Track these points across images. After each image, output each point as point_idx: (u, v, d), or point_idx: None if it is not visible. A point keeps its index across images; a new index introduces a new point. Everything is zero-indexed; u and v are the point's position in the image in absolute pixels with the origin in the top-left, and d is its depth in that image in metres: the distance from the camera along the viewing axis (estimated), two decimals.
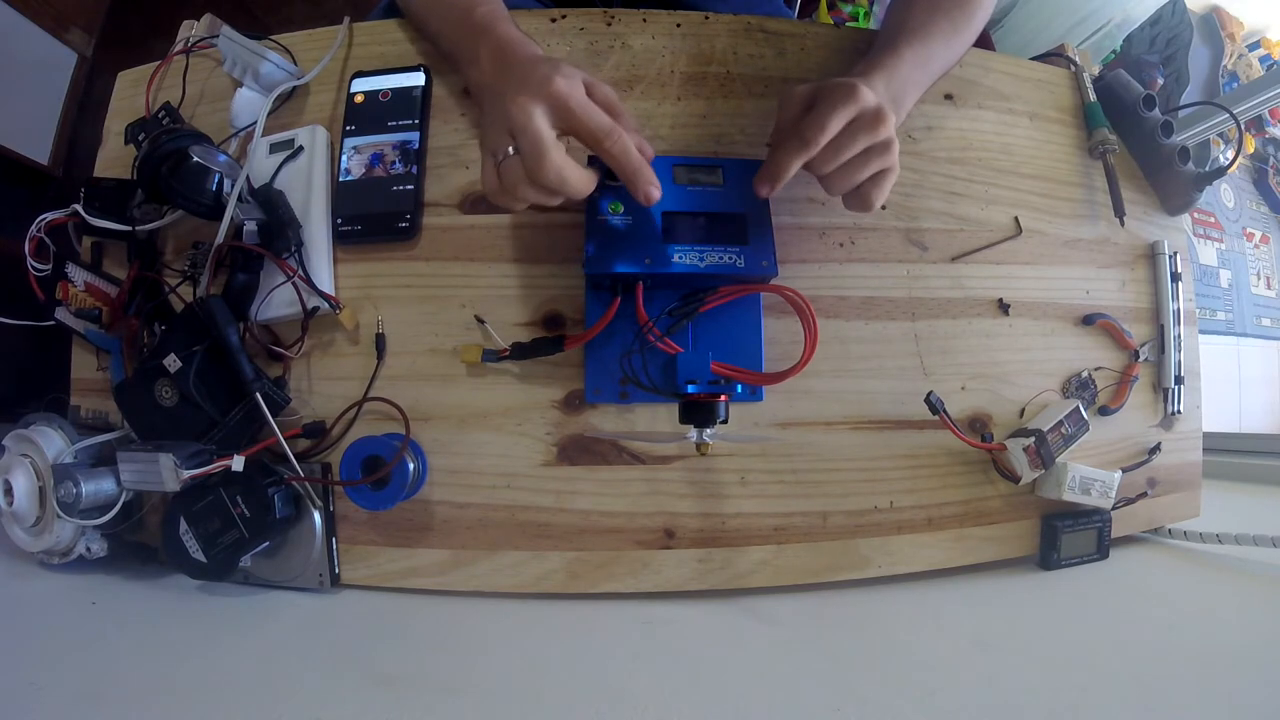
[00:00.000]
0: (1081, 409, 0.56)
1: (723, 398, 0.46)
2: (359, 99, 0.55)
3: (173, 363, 0.48)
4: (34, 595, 0.50)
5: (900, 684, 0.40)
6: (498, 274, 0.53)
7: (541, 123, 0.39)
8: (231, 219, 0.50)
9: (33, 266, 0.56)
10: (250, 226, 0.50)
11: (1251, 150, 2.27)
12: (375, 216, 0.53)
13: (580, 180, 0.41)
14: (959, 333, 0.57)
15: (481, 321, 0.52)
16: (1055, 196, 0.61)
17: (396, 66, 0.56)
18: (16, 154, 1.14)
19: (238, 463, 0.46)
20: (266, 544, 0.48)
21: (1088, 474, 0.55)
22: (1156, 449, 0.61)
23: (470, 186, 0.54)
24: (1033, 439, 0.53)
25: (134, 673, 0.39)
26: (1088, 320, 0.60)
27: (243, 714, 0.35)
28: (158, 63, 0.59)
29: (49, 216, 0.55)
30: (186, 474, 0.44)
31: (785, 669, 0.42)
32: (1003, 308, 0.58)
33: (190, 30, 0.62)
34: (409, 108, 0.54)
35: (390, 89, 0.55)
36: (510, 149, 0.40)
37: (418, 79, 0.55)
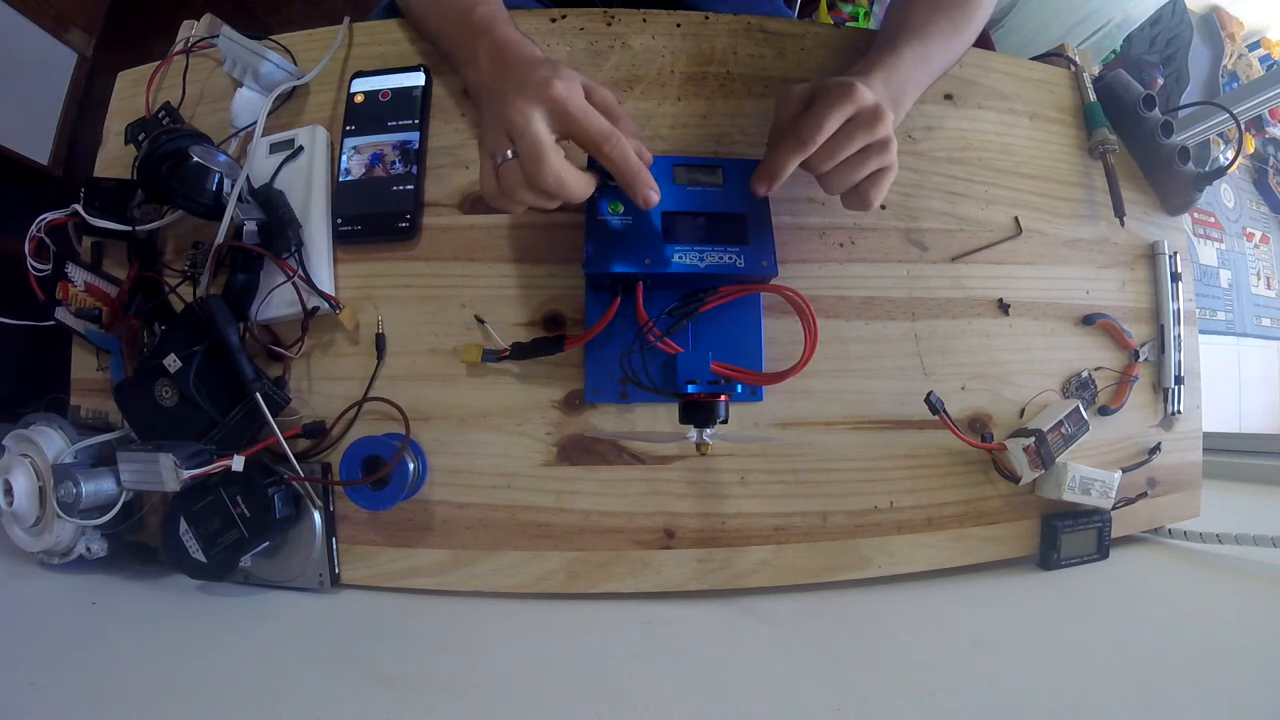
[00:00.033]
0: (1081, 409, 0.56)
1: (723, 398, 0.46)
2: (359, 99, 0.55)
3: (173, 363, 0.48)
4: (34, 595, 0.50)
5: (900, 684, 0.40)
6: (498, 274, 0.53)
7: (540, 127, 0.39)
8: (231, 219, 0.50)
9: (33, 266, 0.56)
10: (250, 226, 0.50)
11: (1251, 150, 2.27)
12: (375, 216, 0.53)
13: (579, 184, 0.41)
14: (959, 333, 0.57)
15: (481, 321, 0.52)
16: (1055, 196, 0.61)
17: (396, 66, 0.56)
18: (16, 154, 1.14)
19: (238, 463, 0.46)
20: (266, 544, 0.48)
21: (1088, 474, 0.55)
22: (1156, 449, 0.61)
23: (470, 186, 0.54)
24: (1033, 439, 0.53)
25: (134, 673, 0.39)
26: (1088, 320, 0.60)
27: (243, 714, 0.35)
28: (158, 63, 0.59)
29: (49, 216, 0.55)
30: (186, 474, 0.44)
31: (785, 669, 0.42)
32: (1003, 308, 0.58)
33: (190, 30, 0.62)
34: (409, 108, 0.54)
35: (390, 89, 0.55)
36: (509, 152, 0.40)
37: (418, 79, 0.55)
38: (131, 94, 0.60)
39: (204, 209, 0.49)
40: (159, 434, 0.49)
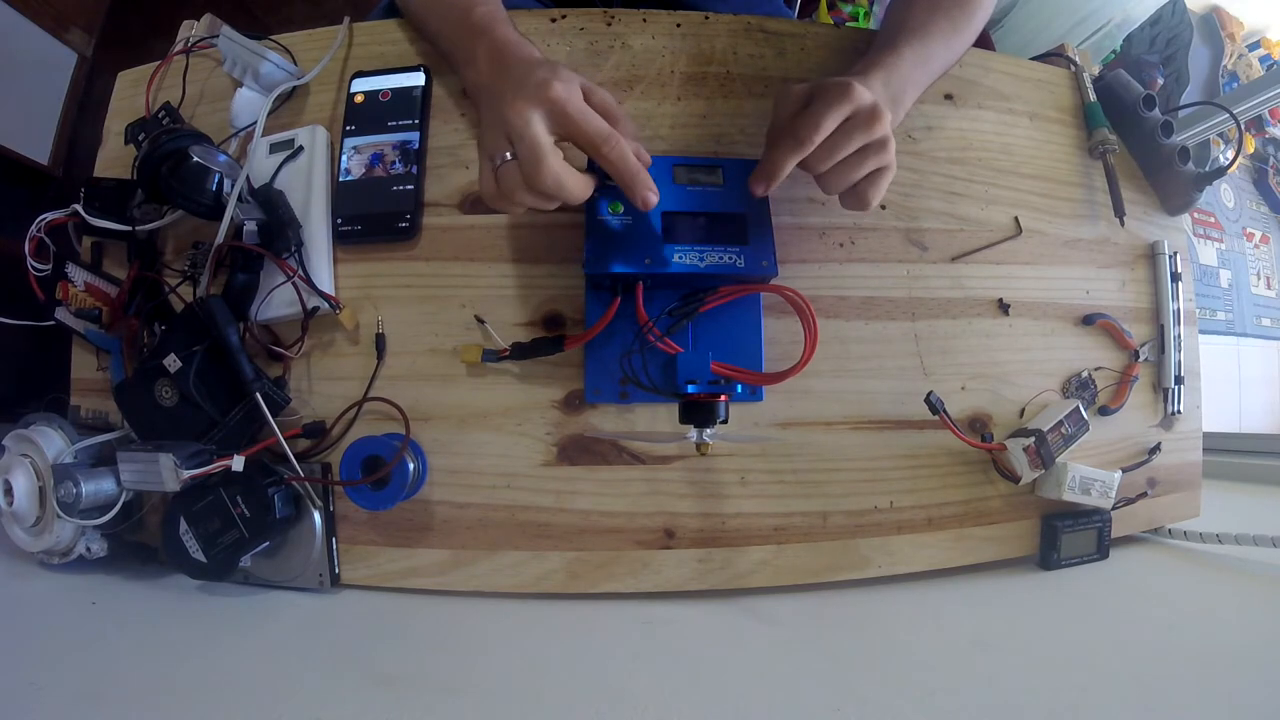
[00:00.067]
0: (1081, 409, 0.56)
1: (723, 398, 0.46)
2: (359, 99, 0.55)
3: (173, 363, 0.48)
4: (34, 595, 0.50)
5: (900, 684, 0.40)
6: (498, 274, 0.53)
7: (539, 128, 0.39)
8: (231, 219, 0.50)
9: (33, 266, 0.56)
10: (250, 226, 0.50)
11: (1251, 150, 2.27)
12: (375, 216, 0.53)
13: (578, 186, 0.41)
14: (959, 333, 0.57)
15: (481, 321, 0.52)
16: (1055, 196, 0.61)
17: (396, 66, 0.56)
18: (16, 154, 1.14)
19: (238, 463, 0.46)
20: (266, 544, 0.48)
21: (1088, 474, 0.55)
22: (1156, 449, 0.61)
23: (470, 186, 0.54)
24: (1033, 439, 0.53)
25: (134, 673, 0.39)
26: (1088, 320, 0.60)
27: (243, 714, 0.35)
28: (158, 63, 0.59)
29: (49, 216, 0.55)
30: (186, 474, 0.44)
31: (785, 669, 0.42)
32: (1003, 308, 0.58)
33: (190, 30, 0.62)
34: (409, 108, 0.54)
35: (390, 89, 0.55)
36: (508, 154, 0.40)
37: (418, 79, 0.55)
38: (131, 94, 0.60)
39: (204, 209, 0.49)
40: (159, 434, 0.49)
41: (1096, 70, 0.67)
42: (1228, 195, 2.22)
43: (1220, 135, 1.81)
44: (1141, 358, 0.61)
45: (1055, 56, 0.67)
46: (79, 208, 0.54)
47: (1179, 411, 0.62)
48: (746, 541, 0.52)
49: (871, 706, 0.36)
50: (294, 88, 0.56)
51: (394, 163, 0.53)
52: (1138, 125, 0.63)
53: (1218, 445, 0.98)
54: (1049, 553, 0.56)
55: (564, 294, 0.52)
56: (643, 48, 0.56)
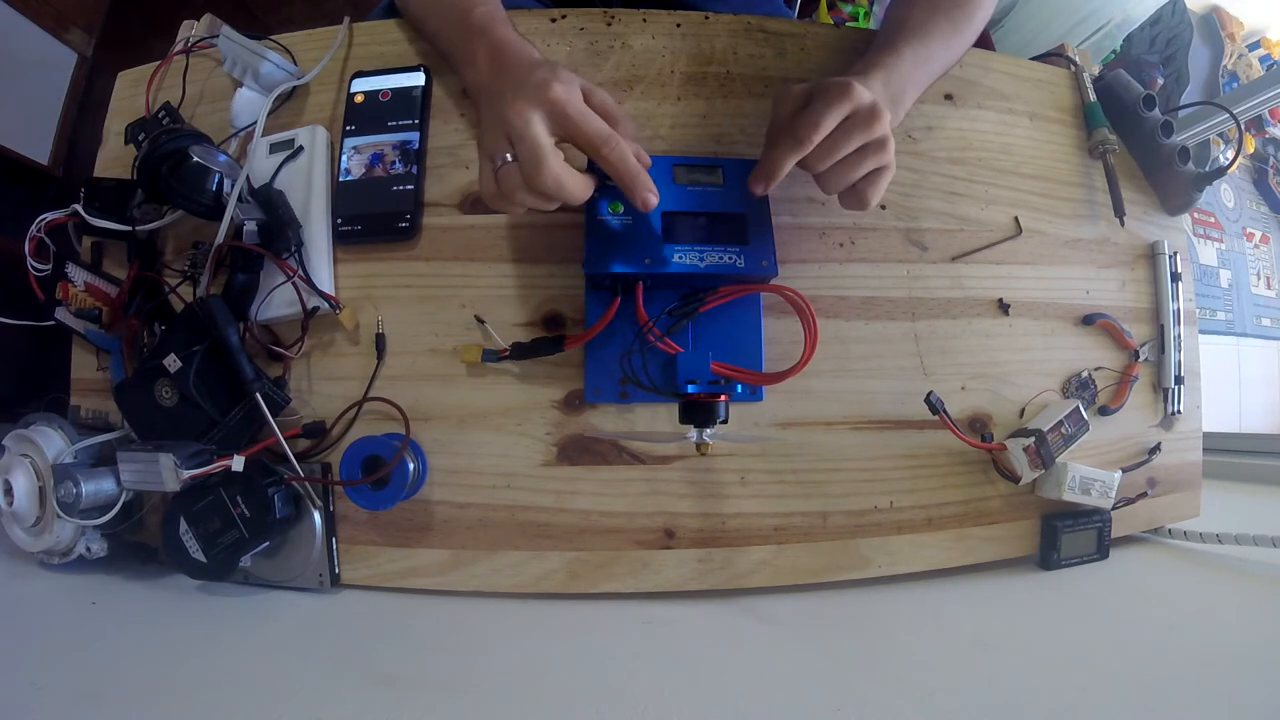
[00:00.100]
0: (1081, 409, 0.56)
1: (723, 398, 0.46)
2: (359, 99, 0.55)
3: (173, 363, 0.48)
4: (34, 595, 0.50)
5: (900, 684, 0.40)
6: (498, 274, 0.53)
7: (539, 129, 0.39)
8: (231, 219, 0.50)
9: (33, 266, 0.56)
10: (250, 226, 0.50)
11: (1251, 150, 2.27)
12: (375, 216, 0.53)
13: (578, 187, 0.41)
14: (959, 333, 0.57)
15: (481, 321, 0.52)
16: (1055, 196, 0.61)
17: (396, 66, 0.56)
18: (16, 154, 1.14)
19: (238, 463, 0.46)
20: (266, 544, 0.48)
21: (1088, 474, 0.55)
22: (1156, 449, 0.61)
23: (470, 186, 0.54)
24: (1033, 439, 0.53)
25: (134, 673, 0.39)
26: (1088, 320, 0.60)
27: (243, 714, 0.35)
28: (158, 63, 0.59)
29: (49, 216, 0.55)
30: (186, 474, 0.44)
31: (785, 669, 0.42)
32: (1003, 308, 0.58)
33: (190, 30, 0.62)
34: (409, 108, 0.54)
35: (390, 89, 0.55)
36: (508, 155, 0.40)
37: (418, 79, 0.55)
38: (131, 94, 0.60)
39: (204, 209, 0.49)
40: (159, 434, 0.49)
41: (1096, 70, 0.67)
42: (1228, 195, 2.22)
43: (1220, 135, 1.81)
44: (1141, 358, 0.61)
45: (1055, 56, 0.67)
46: (79, 208, 0.54)
47: (1179, 411, 0.62)
48: (746, 541, 0.52)
49: (871, 706, 0.36)
50: (294, 88, 0.56)
51: (394, 163, 0.53)
52: (1138, 125, 0.63)
53: (1218, 445, 0.98)
54: (1049, 553, 0.56)
55: (564, 294, 0.52)
56: (643, 48, 0.56)
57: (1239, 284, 2.15)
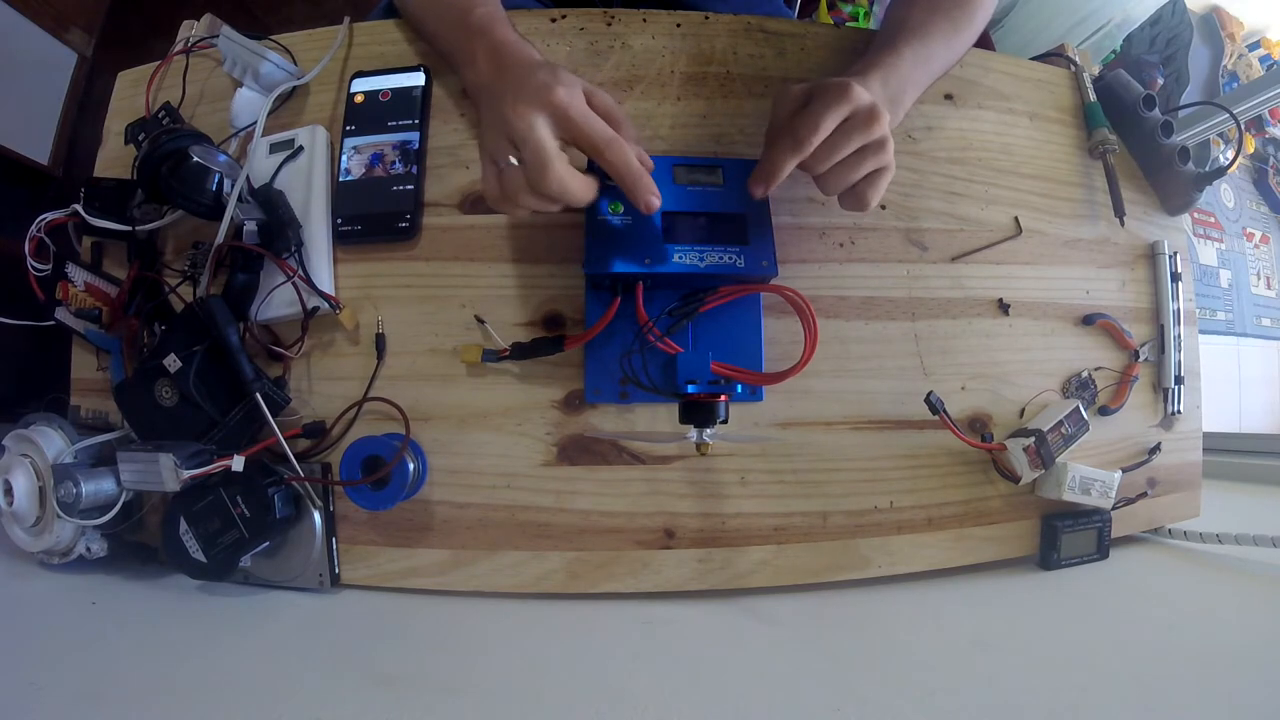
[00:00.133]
0: (1081, 409, 0.56)
1: (723, 398, 0.46)
2: (359, 99, 0.55)
3: (173, 363, 0.48)
4: (34, 595, 0.50)
5: (900, 684, 0.40)
6: (498, 274, 0.53)
7: (544, 133, 0.39)
8: (231, 219, 0.50)
9: (33, 266, 0.56)
10: (250, 226, 0.50)
11: (1251, 150, 2.27)
12: (375, 216, 0.53)
13: (583, 189, 0.41)
14: (959, 333, 0.57)
15: (481, 321, 0.52)
16: (1055, 196, 0.61)
17: (396, 66, 0.56)
18: (16, 154, 1.14)
19: (238, 463, 0.46)
20: (266, 544, 0.48)
21: (1088, 474, 0.55)
22: (1156, 449, 0.61)
23: (470, 186, 0.54)
24: (1033, 439, 0.53)
25: (134, 673, 0.39)
26: (1088, 320, 0.60)
27: (243, 714, 0.35)
28: (158, 63, 0.59)
29: (49, 216, 0.55)
30: (186, 474, 0.44)
31: (785, 669, 0.42)
32: (1003, 308, 0.58)
33: (190, 30, 0.62)
34: (409, 108, 0.54)
35: (390, 89, 0.55)
36: (512, 157, 0.40)
37: (418, 79, 0.55)
38: (131, 94, 0.60)
39: (204, 209, 0.49)
40: (159, 434, 0.49)
41: (1096, 70, 0.67)
42: (1228, 195, 2.22)
43: (1220, 135, 1.81)
44: (1141, 358, 0.61)
45: (1055, 56, 0.67)
46: (79, 208, 0.54)
47: (1179, 411, 0.62)
48: (746, 541, 0.52)
49: (871, 706, 0.36)
50: (294, 88, 0.56)
51: (394, 163, 0.53)
52: (1138, 125, 0.63)
53: (1218, 445, 0.98)
54: (1049, 553, 0.56)
55: (564, 294, 0.52)
56: (643, 48, 0.56)
57: (1239, 284, 2.15)
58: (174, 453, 0.44)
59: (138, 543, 0.53)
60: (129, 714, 0.36)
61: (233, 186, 0.49)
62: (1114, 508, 0.58)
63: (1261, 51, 2.22)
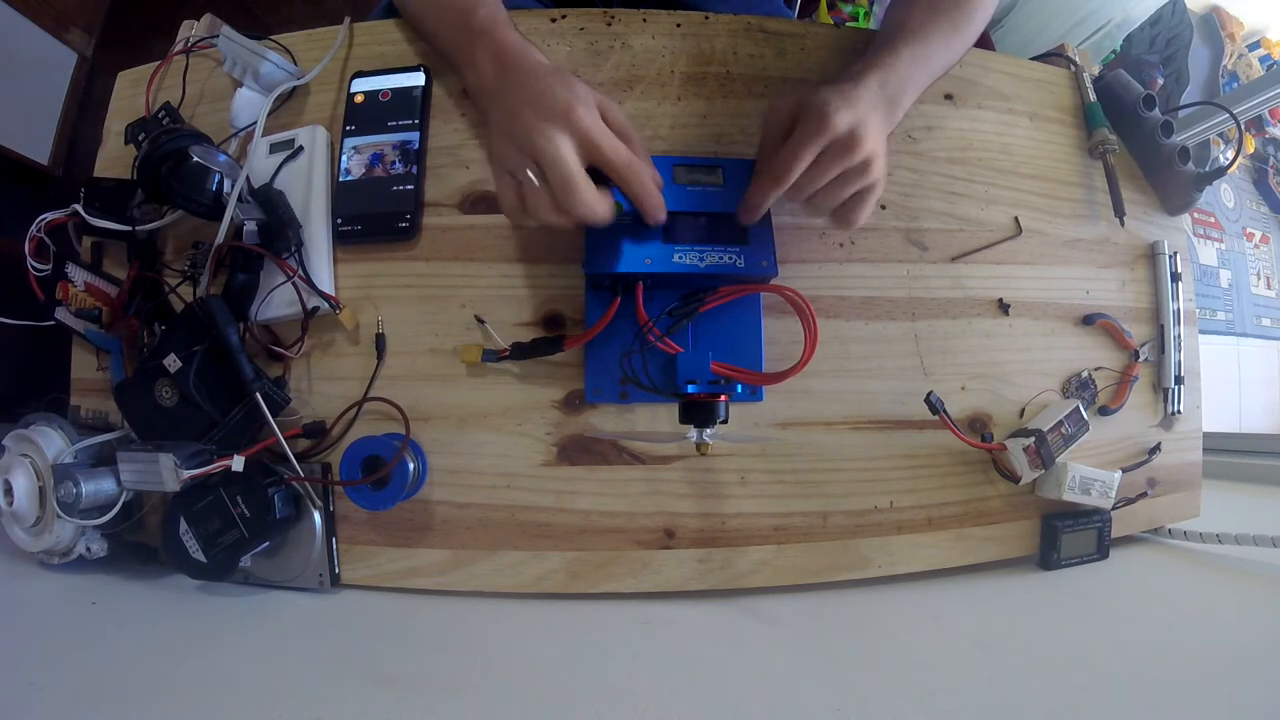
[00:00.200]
0: (1081, 409, 0.56)
1: (723, 398, 0.46)
2: (359, 99, 0.55)
3: (173, 363, 0.48)
4: (34, 595, 0.50)
5: (900, 684, 0.40)
6: (498, 274, 0.53)
7: (570, 155, 0.39)
8: (231, 219, 0.50)
9: (33, 266, 0.56)
10: (250, 226, 0.50)
11: (1251, 150, 2.27)
12: (375, 216, 0.53)
13: (606, 210, 0.42)
14: (959, 333, 0.57)
15: (481, 321, 0.52)
16: (1055, 196, 0.61)
17: (396, 66, 0.56)
18: (16, 154, 1.14)
19: (238, 463, 0.46)
20: (266, 544, 0.48)
21: (1088, 474, 0.55)
22: (1156, 449, 0.61)
23: (470, 186, 0.54)
24: (1033, 439, 0.53)
25: (134, 673, 0.39)
26: (1088, 320, 0.60)
27: (243, 714, 0.35)
28: (158, 63, 0.59)
29: (49, 216, 0.55)
30: (186, 474, 0.44)
31: (785, 669, 0.42)
32: (1003, 308, 0.58)
33: (190, 30, 0.62)
34: (409, 108, 0.54)
35: (390, 89, 0.55)
36: (532, 174, 0.40)
37: (418, 79, 0.55)
38: (131, 94, 0.60)
39: (204, 209, 0.49)
40: (159, 434, 0.49)
41: (1096, 70, 0.67)
42: (1228, 195, 2.22)
43: (1220, 135, 1.81)
44: (1141, 358, 0.61)
45: (1055, 56, 0.67)
46: (79, 208, 0.54)
47: (1179, 411, 0.62)
48: (746, 541, 0.52)
49: (871, 706, 0.36)
50: (294, 88, 0.56)
51: (394, 163, 0.53)
52: (1138, 125, 0.63)
53: (1218, 445, 0.98)
54: (1049, 553, 0.56)
55: (564, 294, 0.52)
56: (643, 48, 0.56)
57: (1239, 284, 2.15)
58: (174, 453, 0.44)
59: (138, 543, 0.53)
60: (129, 714, 0.36)
61: (233, 186, 0.49)
62: (1114, 508, 0.58)
63: (1261, 51, 2.22)
